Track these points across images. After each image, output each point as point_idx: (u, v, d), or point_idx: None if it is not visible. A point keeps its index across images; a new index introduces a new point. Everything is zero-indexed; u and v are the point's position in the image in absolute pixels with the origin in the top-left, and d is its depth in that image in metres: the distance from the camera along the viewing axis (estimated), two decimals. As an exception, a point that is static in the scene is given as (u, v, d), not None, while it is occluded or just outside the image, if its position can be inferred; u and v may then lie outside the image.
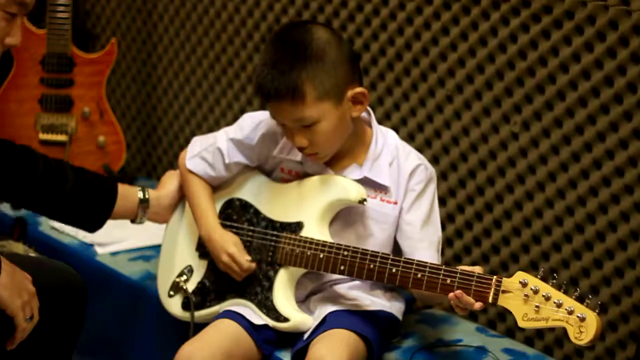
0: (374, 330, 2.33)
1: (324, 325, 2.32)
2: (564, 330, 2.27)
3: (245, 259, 2.40)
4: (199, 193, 2.51)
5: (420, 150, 2.81)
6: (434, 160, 2.82)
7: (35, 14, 3.43)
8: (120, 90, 3.75)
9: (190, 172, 2.52)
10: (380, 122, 2.63)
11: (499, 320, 2.73)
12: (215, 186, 2.54)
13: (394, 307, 2.43)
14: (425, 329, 2.52)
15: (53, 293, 2.17)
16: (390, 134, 2.44)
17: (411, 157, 2.41)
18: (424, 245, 2.36)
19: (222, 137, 2.50)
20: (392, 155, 2.40)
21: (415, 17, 2.81)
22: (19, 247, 2.55)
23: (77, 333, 2.30)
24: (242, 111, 3.31)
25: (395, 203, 2.39)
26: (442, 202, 2.80)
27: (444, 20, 2.75)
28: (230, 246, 2.42)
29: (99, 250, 2.93)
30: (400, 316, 2.44)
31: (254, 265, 2.41)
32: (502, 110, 2.67)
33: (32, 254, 2.76)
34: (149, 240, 2.93)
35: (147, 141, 3.71)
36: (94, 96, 3.31)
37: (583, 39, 2.46)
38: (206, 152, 2.51)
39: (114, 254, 2.93)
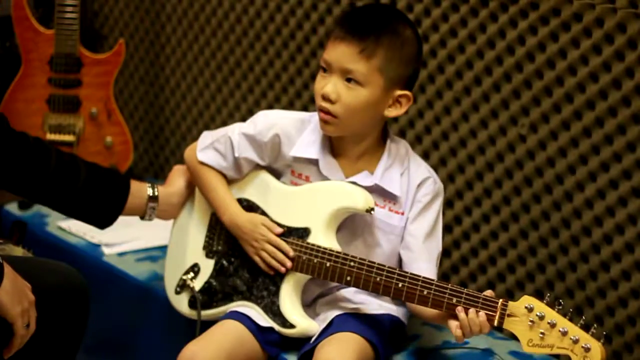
0: (380, 334, 2.33)
1: (330, 328, 2.32)
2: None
3: (276, 232, 2.39)
4: (214, 184, 2.49)
5: (427, 151, 2.82)
6: (441, 162, 2.82)
7: (43, 14, 3.44)
8: (128, 91, 3.75)
9: (203, 164, 2.51)
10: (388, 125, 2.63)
11: (505, 323, 2.73)
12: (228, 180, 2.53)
13: (400, 311, 2.43)
14: (431, 331, 2.52)
15: (55, 294, 2.17)
16: (403, 144, 2.44)
17: (421, 169, 2.41)
18: (423, 258, 2.36)
19: (235, 130, 2.48)
20: (403, 166, 2.39)
21: (423, 19, 2.81)
22: (18, 251, 2.54)
23: (80, 335, 2.29)
24: (250, 112, 3.31)
25: (402, 214, 2.39)
26: (449, 204, 2.80)
27: (452, 22, 2.74)
28: (261, 229, 2.39)
29: (106, 250, 2.93)
30: (406, 321, 2.44)
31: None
32: (510, 112, 2.66)
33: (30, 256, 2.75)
34: (156, 241, 2.93)
35: (154, 142, 3.71)
36: (101, 96, 3.31)
37: (591, 41, 2.46)
38: (218, 142, 2.49)
39: (121, 254, 2.93)
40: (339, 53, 2.29)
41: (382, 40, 2.27)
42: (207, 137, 2.53)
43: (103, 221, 2.50)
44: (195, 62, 3.48)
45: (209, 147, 2.50)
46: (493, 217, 2.75)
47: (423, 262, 2.34)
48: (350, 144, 2.38)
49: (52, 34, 3.22)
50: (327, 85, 2.29)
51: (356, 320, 2.33)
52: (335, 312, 2.37)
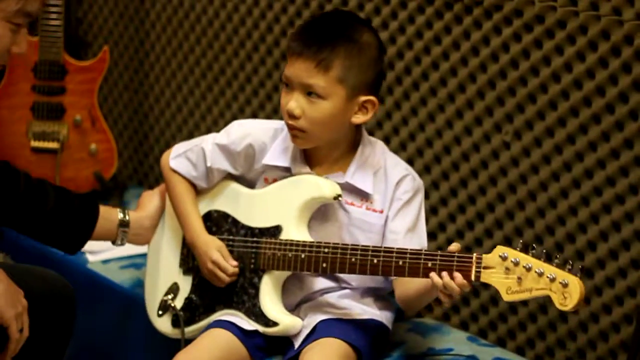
0: (364, 339, 2.33)
1: (314, 334, 2.32)
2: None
3: (230, 264, 2.40)
4: (182, 196, 2.50)
5: (411, 159, 2.82)
6: (426, 169, 2.82)
7: (27, 21, 3.43)
8: (112, 98, 3.74)
9: (174, 171, 2.51)
10: (372, 131, 2.63)
11: (490, 330, 2.73)
12: (197, 191, 2.53)
13: (384, 316, 2.43)
14: (415, 338, 2.52)
15: (41, 301, 2.16)
16: (379, 144, 2.44)
17: (398, 168, 2.41)
18: None
19: (209, 140, 2.49)
20: (378, 164, 2.39)
21: (407, 26, 2.81)
22: (-3, 256, 2.54)
23: (65, 342, 2.29)
24: (234, 119, 3.30)
25: (381, 212, 2.38)
26: (433, 211, 2.80)
27: (436, 29, 2.75)
28: (213, 253, 2.41)
29: (90, 258, 2.93)
30: (390, 325, 2.44)
31: (237, 270, 2.41)
32: (494, 119, 2.67)
33: (10, 262, 2.74)
34: (140, 248, 2.92)
35: (139, 149, 3.71)
36: (85, 104, 3.30)
37: (575, 48, 2.47)
38: (191, 152, 2.50)
39: (105, 261, 2.92)
40: (297, 69, 2.29)
41: (338, 50, 2.26)
42: (181, 145, 2.54)
43: (70, 245, 2.49)
44: (180, 69, 3.48)
45: (182, 156, 2.51)
46: (477, 224, 2.75)
47: None
48: (323, 151, 2.39)
49: (36, 41, 3.21)
50: (290, 102, 2.30)
51: (340, 326, 2.33)
52: (319, 318, 2.36)
